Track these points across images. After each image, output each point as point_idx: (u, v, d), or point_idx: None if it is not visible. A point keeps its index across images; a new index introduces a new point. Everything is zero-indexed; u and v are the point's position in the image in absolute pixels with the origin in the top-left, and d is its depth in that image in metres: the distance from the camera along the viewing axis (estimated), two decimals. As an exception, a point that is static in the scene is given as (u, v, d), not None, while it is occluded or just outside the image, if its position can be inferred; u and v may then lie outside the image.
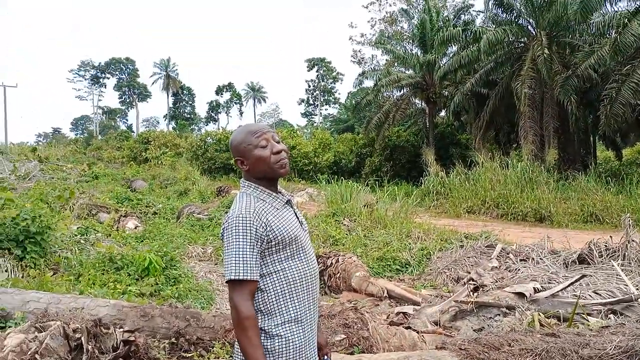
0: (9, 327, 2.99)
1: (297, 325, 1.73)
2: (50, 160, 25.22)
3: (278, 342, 1.68)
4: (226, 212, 1.88)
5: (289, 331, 1.71)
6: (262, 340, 1.68)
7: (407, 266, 7.18)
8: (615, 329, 2.78)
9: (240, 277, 1.62)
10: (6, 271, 5.08)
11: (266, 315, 1.71)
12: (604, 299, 4.43)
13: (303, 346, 1.74)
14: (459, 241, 7.80)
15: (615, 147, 24.01)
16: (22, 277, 5.13)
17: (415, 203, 12.15)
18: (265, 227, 1.68)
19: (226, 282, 1.67)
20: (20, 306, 3.74)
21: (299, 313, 1.74)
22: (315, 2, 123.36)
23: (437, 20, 24.30)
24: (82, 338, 2.30)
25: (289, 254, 1.74)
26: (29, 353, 2.11)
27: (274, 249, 1.71)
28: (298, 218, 1.87)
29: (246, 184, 1.81)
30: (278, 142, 1.81)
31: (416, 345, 3.59)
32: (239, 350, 1.68)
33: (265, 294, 1.72)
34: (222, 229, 1.74)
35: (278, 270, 1.72)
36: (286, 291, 1.73)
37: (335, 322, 3.64)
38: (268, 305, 1.71)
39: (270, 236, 1.69)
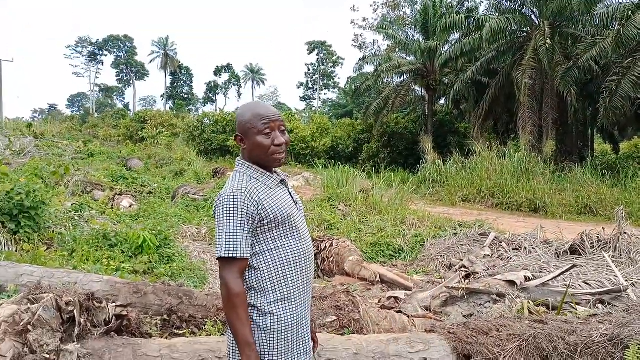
0: (2, 299, 3.01)
1: (289, 304, 1.74)
2: (46, 137, 25.04)
3: (270, 319, 1.70)
4: (220, 193, 1.88)
5: (281, 309, 1.72)
6: (255, 318, 1.70)
7: (400, 252, 7.22)
8: (602, 317, 2.82)
9: (231, 255, 1.63)
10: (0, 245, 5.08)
11: (259, 293, 1.72)
12: (594, 289, 4.48)
13: (295, 324, 1.76)
14: (453, 229, 7.84)
15: (612, 140, 24.07)
16: (16, 251, 5.14)
17: (411, 190, 12.18)
18: (256, 205, 1.69)
19: (217, 259, 1.68)
20: (14, 279, 3.75)
21: (291, 291, 1.75)
22: (316, 2, 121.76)
23: (440, 7, 24.08)
24: (75, 311, 2.32)
25: (282, 232, 1.75)
26: (21, 324, 2.12)
27: (266, 227, 1.72)
28: (292, 198, 1.88)
29: (241, 162, 1.82)
30: (283, 133, 1.81)
31: (406, 329, 3.63)
32: (232, 339, 1.71)
33: (259, 272, 1.73)
34: (215, 206, 1.75)
35: (272, 249, 1.73)
36: (280, 269, 1.74)
37: (326, 304, 3.67)
38: (261, 283, 1.72)
39: (262, 214, 1.69)
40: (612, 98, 14.21)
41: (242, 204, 1.66)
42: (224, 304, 1.66)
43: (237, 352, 1.70)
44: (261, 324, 1.70)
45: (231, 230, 1.64)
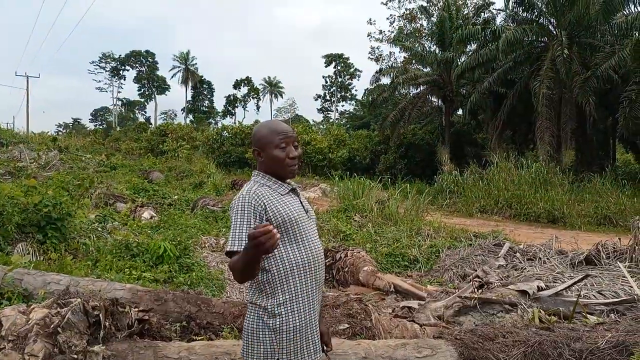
0: (33, 303, 3.18)
1: (297, 305, 1.86)
2: (70, 150, 25.74)
3: (279, 320, 1.83)
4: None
5: (289, 310, 1.84)
6: (265, 319, 1.83)
7: (415, 263, 7.25)
8: (609, 325, 2.85)
9: (235, 249, 1.76)
10: (28, 254, 5.31)
11: (269, 295, 1.86)
12: (608, 299, 4.48)
13: (303, 327, 1.87)
14: (468, 240, 7.85)
15: (635, 149, 23.63)
16: (43, 260, 5.36)
17: (428, 201, 12.19)
18: (263, 207, 1.84)
19: (224, 253, 1.83)
20: (42, 287, 3.95)
21: (298, 293, 1.87)
22: (331, 13, 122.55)
23: (457, 18, 24.19)
24: (100, 315, 2.47)
25: (292, 237, 1.88)
26: (52, 326, 2.28)
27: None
28: (304, 206, 2.02)
29: (256, 172, 2.00)
30: (296, 147, 1.99)
31: (417, 337, 3.69)
32: (246, 339, 1.85)
33: (269, 274, 1.86)
34: (230, 209, 1.91)
35: (281, 253, 1.86)
36: (289, 272, 1.86)
37: (339, 312, 3.77)
38: (271, 284, 1.86)
39: (270, 215, 1.84)
40: (631, 107, 14.10)
41: (249, 204, 1.82)
42: (234, 276, 1.77)
43: (251, 353, 1.83)
44: (271, 324, 1.82)
45: (237, 227, 1.79)
